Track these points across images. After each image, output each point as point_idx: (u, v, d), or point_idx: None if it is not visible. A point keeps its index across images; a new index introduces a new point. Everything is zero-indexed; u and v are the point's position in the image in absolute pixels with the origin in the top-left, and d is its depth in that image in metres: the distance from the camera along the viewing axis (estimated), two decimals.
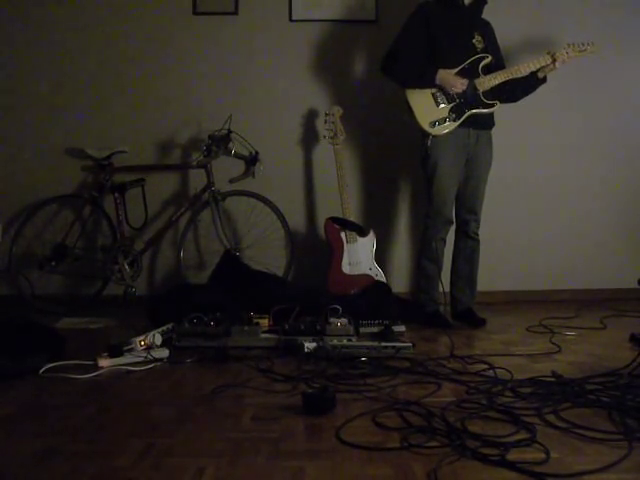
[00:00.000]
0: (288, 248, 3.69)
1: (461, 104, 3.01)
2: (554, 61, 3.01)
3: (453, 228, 3.20)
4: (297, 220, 3.82)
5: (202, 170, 3.60)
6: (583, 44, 3.08)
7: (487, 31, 3.16)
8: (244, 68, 3.82)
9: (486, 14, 3.17)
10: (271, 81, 3.82)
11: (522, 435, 1.53)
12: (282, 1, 3.80)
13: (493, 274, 3.74)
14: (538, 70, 3.04)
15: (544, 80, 3.10)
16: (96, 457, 1.43)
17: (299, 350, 2.43)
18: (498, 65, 3.13)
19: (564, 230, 3.91)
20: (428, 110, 3.02)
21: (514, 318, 3.31)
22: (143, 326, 2.75)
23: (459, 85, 2.98)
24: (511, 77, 3.04)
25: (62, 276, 3.71)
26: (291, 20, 3.81)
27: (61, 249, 3.59)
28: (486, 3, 3.12)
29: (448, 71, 2.99)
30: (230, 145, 3.53)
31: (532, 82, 3.09)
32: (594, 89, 3.88)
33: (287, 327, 2.65)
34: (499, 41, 3.22)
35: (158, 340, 2.47)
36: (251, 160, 3.54)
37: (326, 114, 3.58)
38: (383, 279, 3.42)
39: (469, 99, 3.01)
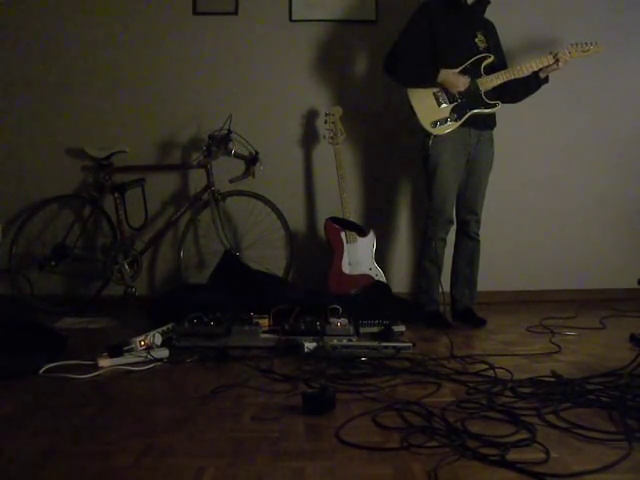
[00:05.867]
0: (288, 248, 3.69)
1: (463, 104, 3.01)
2: (557, 61, 3.00)
3: (453, 228, 3.21)
4: (297, 220, 3.82)
5: (202, 170, 3.60)
6: (587, 44, 3.07)
7: (490, 31, 3.16)
8: (244, 68, 3.82)
9: (490, 14, 3.17)
10: (271, 81, 3.82)
11: (522, 435, 1.53)
12: (282, 1, 3.80)
13: (493, 274, 3.74)
14: (540, 70, 3.04)
15: (546, 80, 3.10)
16: (96, 457, 1.43)
17: (299, 350, 2.43)
18: (500, 65, 3.12)
19: (564, 230, 3.91)
20: (430, 110, 3.02)
21: (514, 318, 3.31)
22: (143, 326, 2.75)
23: (461, 84, 2.98)
24: (513, 77, 3.03)
25: (62, 276, 3.71)
26: (291, 20, 3.81)
27: (61, 249, 3.59)
28: (489, 2, 3.11)
29: (450, 70, 2.99)
30: (230, 145, 3.53)
31: (534, 82, 3.09)
32: (596, 89, 3.88)
33: (287, 327, 2.65)
34: (502, 41, 3.22)
35: (158, 340, 2.47)
36: (251, 160, 3.54)
37: (326, 114, 3.58)
38: (383, 279, 3.42)
39: (471, 99, 3.01)
